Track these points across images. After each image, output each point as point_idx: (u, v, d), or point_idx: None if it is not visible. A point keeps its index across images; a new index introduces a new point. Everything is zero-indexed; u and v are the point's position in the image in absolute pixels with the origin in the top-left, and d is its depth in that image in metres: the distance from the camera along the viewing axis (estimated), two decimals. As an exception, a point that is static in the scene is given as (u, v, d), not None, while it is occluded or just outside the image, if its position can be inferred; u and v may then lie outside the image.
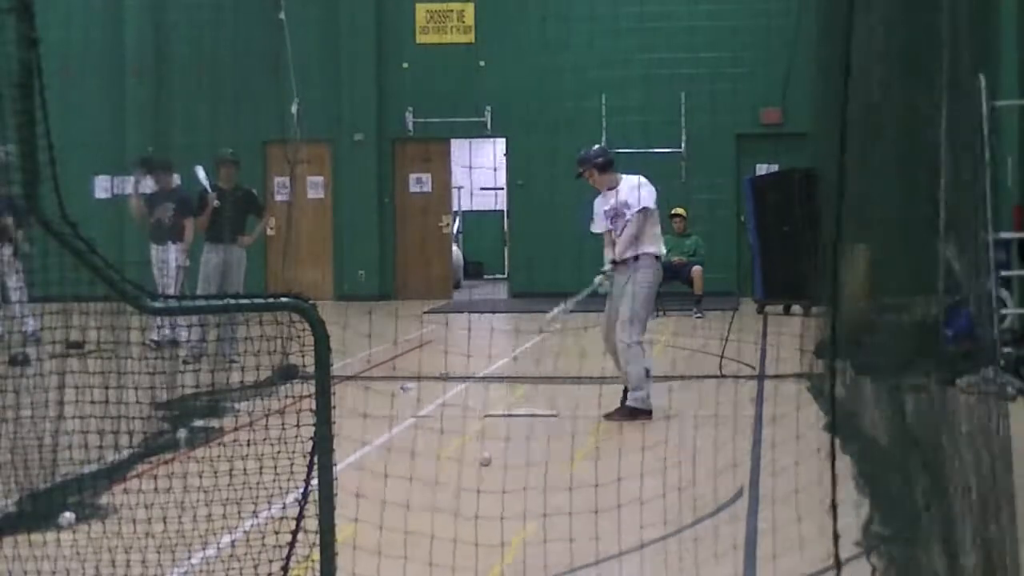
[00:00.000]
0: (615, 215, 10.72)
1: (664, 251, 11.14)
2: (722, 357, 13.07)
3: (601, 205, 10.84)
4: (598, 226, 10.91)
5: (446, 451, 7.56)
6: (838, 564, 5.23)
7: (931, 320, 6.90)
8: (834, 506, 5.10)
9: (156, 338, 13.07)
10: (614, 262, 10.71)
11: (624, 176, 10.91)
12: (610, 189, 10.79)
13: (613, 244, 10.76)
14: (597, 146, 11.39)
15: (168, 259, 15.25)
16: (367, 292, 23.97)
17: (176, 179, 16.05)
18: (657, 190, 11.00)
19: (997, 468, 4.92)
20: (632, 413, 10.39)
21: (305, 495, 5.17)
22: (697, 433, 6.91)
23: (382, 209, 24.96)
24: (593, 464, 7.13)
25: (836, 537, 5.13)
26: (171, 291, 14.43)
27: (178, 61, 21.20)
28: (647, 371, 10.60)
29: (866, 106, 6.98)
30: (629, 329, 10.45)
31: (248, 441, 6.25)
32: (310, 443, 5.02)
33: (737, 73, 23.81)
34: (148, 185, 15.62)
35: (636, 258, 10.64)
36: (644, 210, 10.67)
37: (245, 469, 6.22)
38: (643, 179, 10.91)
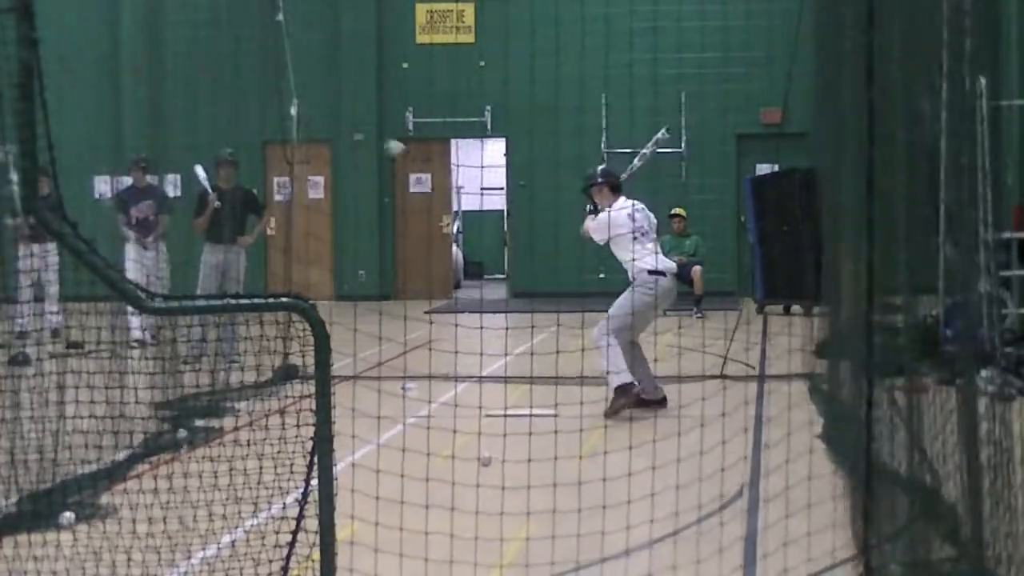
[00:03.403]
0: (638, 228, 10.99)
1: (663, 265, 11.21)
2: (726, 358, 13.07)
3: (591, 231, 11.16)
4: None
5: (446, 451, 7.56)
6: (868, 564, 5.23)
7: (931, 320, 6.91)
8: (866, 511, 5.10)
9: (139, 337, 13.03)
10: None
11: (621, 199, 11.18)
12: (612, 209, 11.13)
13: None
14: (602, 166, 11.74)
15: (157, 257, 15.31)
16: (367, 292, 23.96)
17: (151, 178, 16.11)
18: (646, 194, 11.32)
19: (997, 467, 4.92)
20: (624, 392, 10.55)
21: (305, 495, 5.17)
22: (698, 433, 6.90)
23: (382, 209, 24.97)
24: (594, 463, 7.13)
25: (867, 547, 5.13)
26: (166, 289, 14.47)
27: (177, 61, 21.20)
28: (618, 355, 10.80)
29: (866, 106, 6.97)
30: (603, 324, 10.75)
31: (248, 441, 6.25)
32: (310, 443, 5.02)
33: (737, 73, 23.81)
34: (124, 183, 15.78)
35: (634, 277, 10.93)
36: (595, 226, 11.05)
37: (245, 469, 6.22)
38: (624, 206, 11.14)
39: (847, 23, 6.87)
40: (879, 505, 6.18)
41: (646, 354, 11.34)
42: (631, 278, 10.94)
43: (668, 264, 11.23)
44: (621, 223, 10.94)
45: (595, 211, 11.23)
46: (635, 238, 10.99)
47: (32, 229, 11.85)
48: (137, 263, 15.14)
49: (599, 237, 11.05)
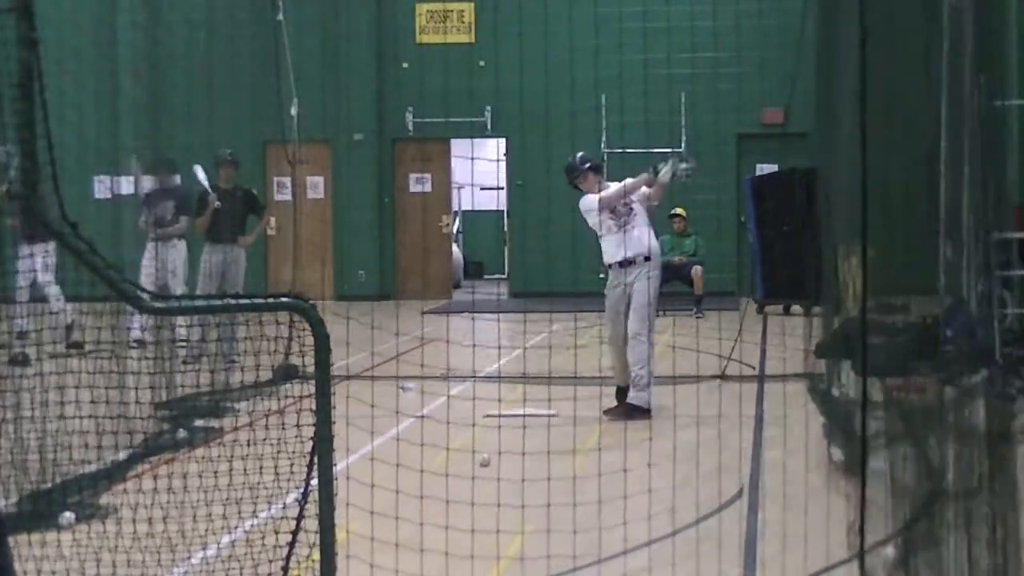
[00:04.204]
0: (618, 208, 10.90)
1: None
2: (729, 358, 13.05)
3: (593, 203, 10.98)
4: (595, 217, 11.02)
5: (444, 452, 7.56)
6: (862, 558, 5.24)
7: (931, 320, 6.91)
8: (862, 508, 5.10)
9: (139, 337, 13.00)
10: (622, 262, 10.85)
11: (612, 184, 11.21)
12: (601, 191, 11.04)
13: (622, 240, 10.95)
14: (580, 154, 11.64)
15: (176, 257, 15.23)
16: (367, 292, 23.97)
17: (176, 178, 15.99)
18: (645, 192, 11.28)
19: (997, 467, 4.92)
20: (631, 412, 10.56)
21: (305, 495, 5.17)
22: (698, 433, 6.92)
23: (382, 209, 24.96)
24: (593, 464, 7.12)
25: (862, 540, 5.14)
26: (180, 289, 14.48)
27: (176, 61, 21.17)
28: (650, 372, 10.77)
29: (866, 106, 6.97)
30: (644, 323, 10.70)
31: (248, 441, 6.25)
32: (310, 443, 5.02)
33: (737, 73, 23.79)
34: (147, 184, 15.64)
35: (647, 258, 10.91)
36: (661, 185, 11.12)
37: (245, 469, 6.22)
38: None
39: (843, 26, 6.88)
40: (877, 506, 6.18)
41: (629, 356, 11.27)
42: (648, 256, 10.90)
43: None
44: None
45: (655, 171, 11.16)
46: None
47: (29, 229, 11.85)
48: (151, 263, 15.11)
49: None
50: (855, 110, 5.18)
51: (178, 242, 15.41)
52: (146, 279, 13.98)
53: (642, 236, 10.93)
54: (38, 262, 13.27)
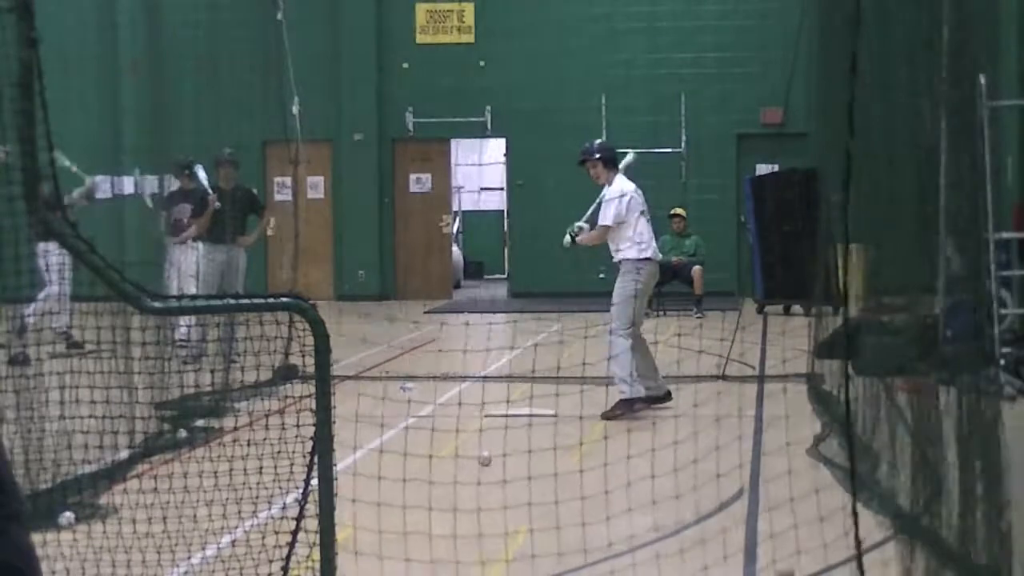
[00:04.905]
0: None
1: (652, 251, 11.06)
2: (727, 359, 13.03)
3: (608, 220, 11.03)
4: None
5: (445, 451, 7.56)
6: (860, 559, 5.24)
7: (931, 320, 6.92)
8: (855, 513, 5.10)
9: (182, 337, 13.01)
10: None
11: (619, 178, 10.98)
12: (609, 187, 10.96)
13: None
14: (599, 140, 11.51)
15: (189, 258, 15.21)
16: (367, 292, 23.97)
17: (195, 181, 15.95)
18: (645, 194, 11.16)
19: (996, 467, 4.93)
20: (627, 405, 10.46)
21: (305, 495, 5.17)
22: (697, 434, 6.92)
23: (382, 209, 24.96)
24: (593, 464, 7.13)
25: (859, 544, 5.14)
26: (193, 289, 14.51)
27: (176, 61, 21.10)
28: (631, 363, 10.62)
29: (866, 106, 6.98)
30: (613, 325, 10.68)
31: (248, 441, 6.25)
32: (310, 443, 5.02)
33: (737, 73, 23.82)
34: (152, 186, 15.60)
35: (620, 263, 10.87)
36: (603, 227, 10.89)
37: (245, 469, 6.22)
38: (626, 190, 10.95)
39: (837, 24, 6.88)
40: (874, 508, 6.18)
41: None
42: (618, 261, 10.85)
43: (655, 248, 11.18)
44: (621, 211, 10.85)
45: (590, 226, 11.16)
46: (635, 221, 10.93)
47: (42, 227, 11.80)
48: (172, 265, 15.10)
49: (615, 222, 10.84)
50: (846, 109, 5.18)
51: (194, 243, 15.39)
52: (170, 283, 13.98)
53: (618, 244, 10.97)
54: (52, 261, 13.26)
